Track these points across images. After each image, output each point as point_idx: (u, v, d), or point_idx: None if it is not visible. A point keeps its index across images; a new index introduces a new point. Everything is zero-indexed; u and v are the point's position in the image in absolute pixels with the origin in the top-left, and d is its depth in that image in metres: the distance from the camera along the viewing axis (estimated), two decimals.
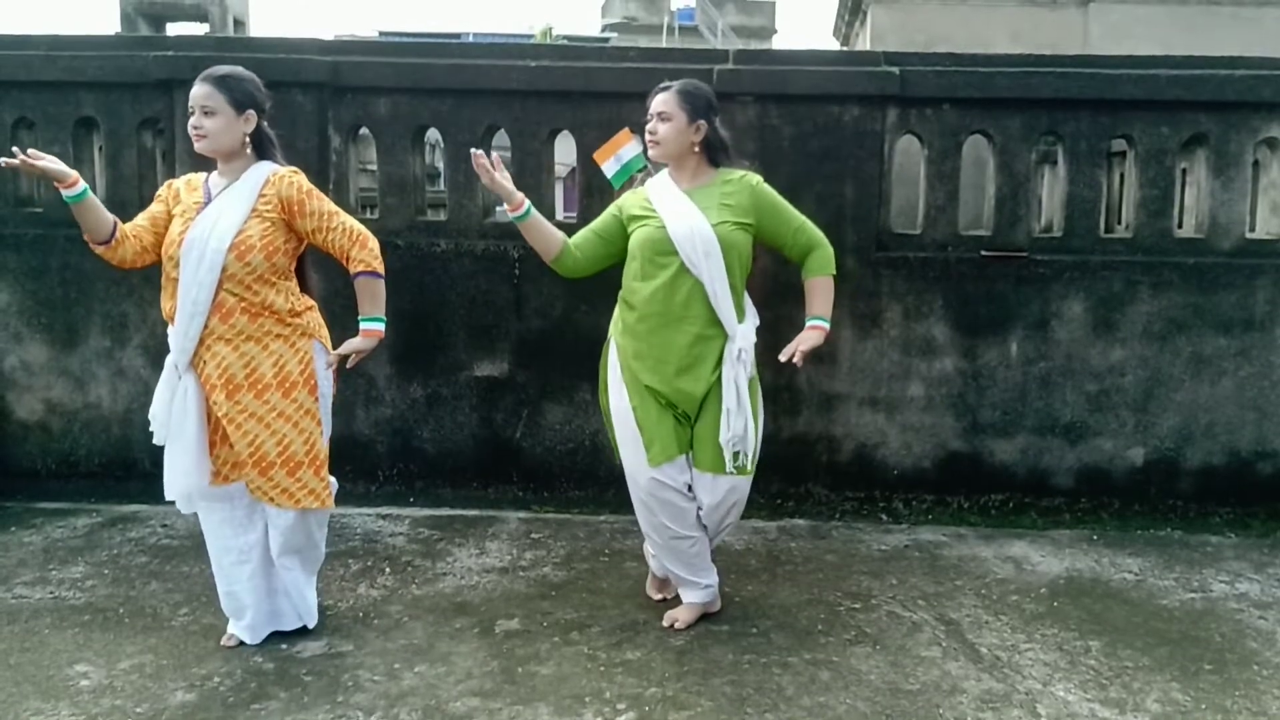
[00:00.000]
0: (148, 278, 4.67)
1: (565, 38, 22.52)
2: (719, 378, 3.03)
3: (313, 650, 2.99)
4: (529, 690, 2.76)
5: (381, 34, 23.73)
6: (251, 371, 2.85)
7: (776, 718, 2.64)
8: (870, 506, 4.53)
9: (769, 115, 4.49)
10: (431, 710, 2.64)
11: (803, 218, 3.14)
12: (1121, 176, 7.81)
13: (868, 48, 13.87)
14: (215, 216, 2.81)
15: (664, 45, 21.26)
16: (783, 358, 3.02)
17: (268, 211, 2.84)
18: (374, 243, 2.93)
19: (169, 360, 2.91)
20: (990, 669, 2.94)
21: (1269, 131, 4.55)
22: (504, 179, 3.03)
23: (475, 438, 4.68)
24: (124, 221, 2.95)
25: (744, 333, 3.05)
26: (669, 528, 3.08)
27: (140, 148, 4.74)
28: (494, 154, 3.11)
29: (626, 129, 4.50)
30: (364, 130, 4.77)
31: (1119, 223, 7.95)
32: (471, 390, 4.65)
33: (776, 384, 4.41)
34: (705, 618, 3.22)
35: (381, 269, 2.93)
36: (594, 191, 4.57)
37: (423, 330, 4.59)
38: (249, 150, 2.90)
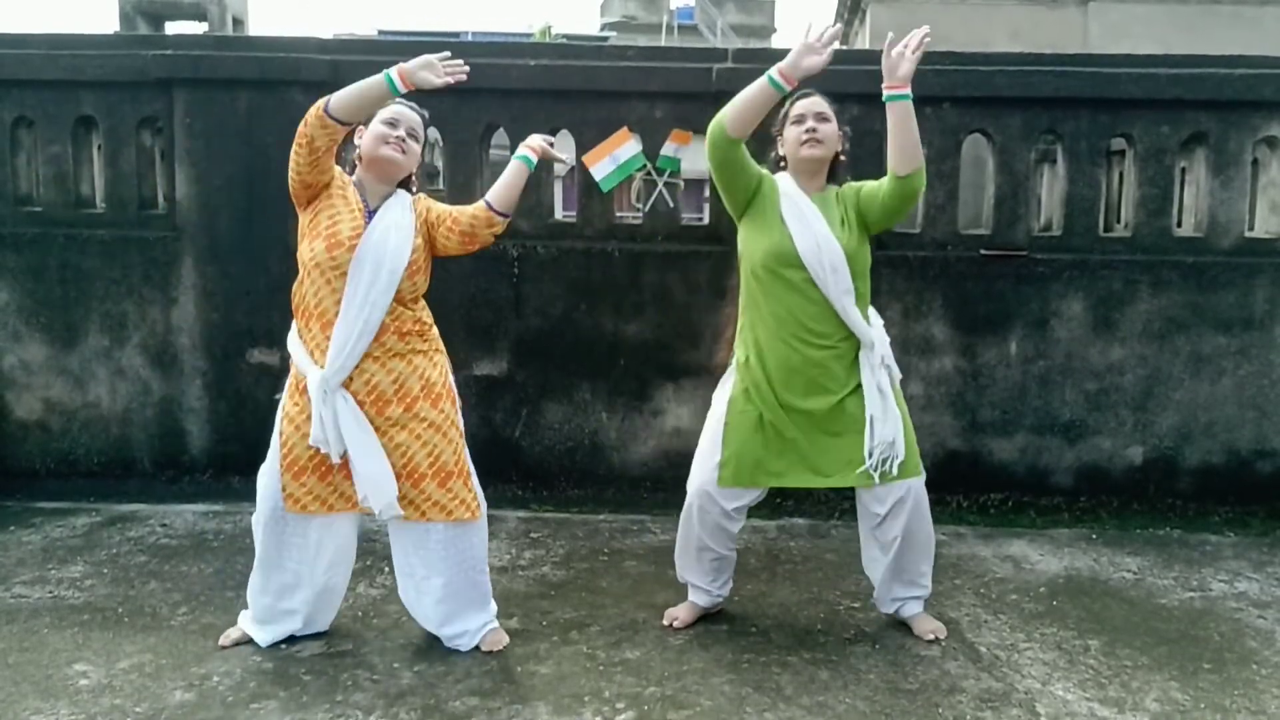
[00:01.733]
0: (147, 277, 4.68)
1: (564, 36, 22.50)
2: (852, 391, 2.94)
3: (312, 650, 2.98)
4: (528, 689, 2.76)
5: (381, 33, 23.71)
6: (400, 386, 2.83)
7: (776, 716, 2.64)
8: None
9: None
10: (430, 709, 2.64)
11: None
12: (1121, 175, 7.81)
13: (867, 47, 13.86)
14: (384, 234, 2.78)
15: (663, 44, 21.23)
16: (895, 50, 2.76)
17: (420, 232, 2.87)
18: None
19: (317, 379, 2.75)
20: (989, 668, 2.94)
21: (1268, 130, 4.55)
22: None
23: (474, 437, 4.60)
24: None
25: (880, 337, 2.98)
26: (702, 539, 3.09)
27: (139, 146, 4.74)
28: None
29: (625, 128, 4.53)
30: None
31: (1118, 222, 7.94)
32: (470, 389, 4.65)
33: None
34: (705, 617, 3.22)
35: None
36: (593, 190, 4.57)
37: None
38: None
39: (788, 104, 3.01)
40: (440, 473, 2.85)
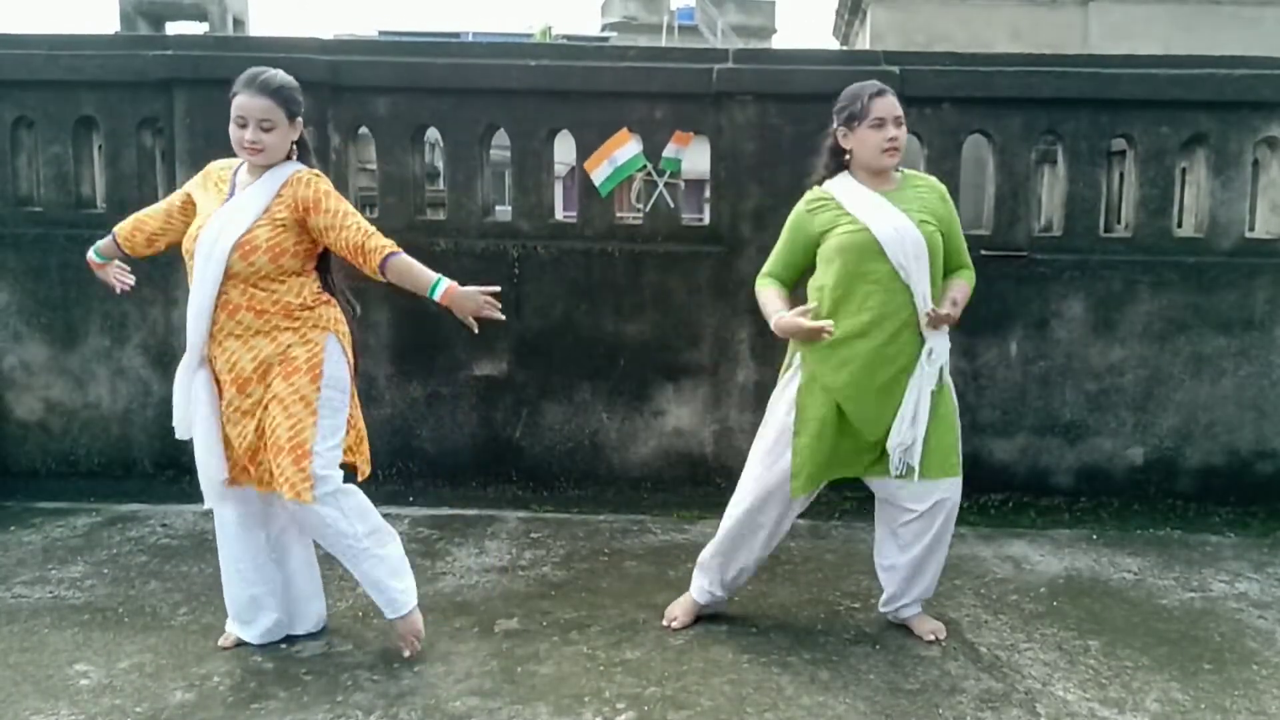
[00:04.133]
0: (148, 277, 4.66)
1: (564, 37, 22.53)
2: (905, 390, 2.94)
3: (312, 650, 2.99)
4: (528, 690, 2.76)
5: (381, 33, 23.73)
6: (260, 364, 2.82)
7: (776, 717, 2.64)
8: (870, 506, 4.50)
9: (769, 114, 4.49)
10: (431, 710, 2.64)
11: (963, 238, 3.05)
12: (1121, 176, 7.81)
13: (867, 47, 13.86)
14: (229, 215, 2.80)
15: (663, 44, 21.24)
16: (940, 310, 2.88)
17: (280, 213, 2.80)
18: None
19: (185, 356, 2.87)
20: (990, 668, 2.94)
21: (1269, 131, 4.55)
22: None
23: (475, 437, 4.68)
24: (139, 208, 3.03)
25: (939, 333, 2.94)
26: (746, 535, 3.08)
27: (140, 147, 4.74)
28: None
29: (625, 129, 4.54)
30: (363, 129, 4.77)
31: (1119, 222, 7.94)
32: (471, 390, 4.65)
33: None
34: (705, 618, 3.22)
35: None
36: (593, 190, 4.57)
37: (422, 329, 4.59)
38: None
39: (865, 100, 2.90)
40: (273, 446, 2.78)
